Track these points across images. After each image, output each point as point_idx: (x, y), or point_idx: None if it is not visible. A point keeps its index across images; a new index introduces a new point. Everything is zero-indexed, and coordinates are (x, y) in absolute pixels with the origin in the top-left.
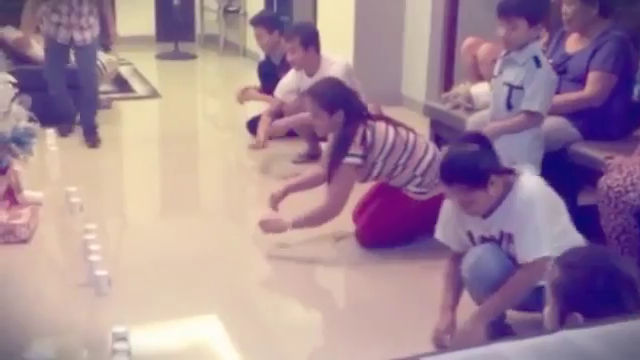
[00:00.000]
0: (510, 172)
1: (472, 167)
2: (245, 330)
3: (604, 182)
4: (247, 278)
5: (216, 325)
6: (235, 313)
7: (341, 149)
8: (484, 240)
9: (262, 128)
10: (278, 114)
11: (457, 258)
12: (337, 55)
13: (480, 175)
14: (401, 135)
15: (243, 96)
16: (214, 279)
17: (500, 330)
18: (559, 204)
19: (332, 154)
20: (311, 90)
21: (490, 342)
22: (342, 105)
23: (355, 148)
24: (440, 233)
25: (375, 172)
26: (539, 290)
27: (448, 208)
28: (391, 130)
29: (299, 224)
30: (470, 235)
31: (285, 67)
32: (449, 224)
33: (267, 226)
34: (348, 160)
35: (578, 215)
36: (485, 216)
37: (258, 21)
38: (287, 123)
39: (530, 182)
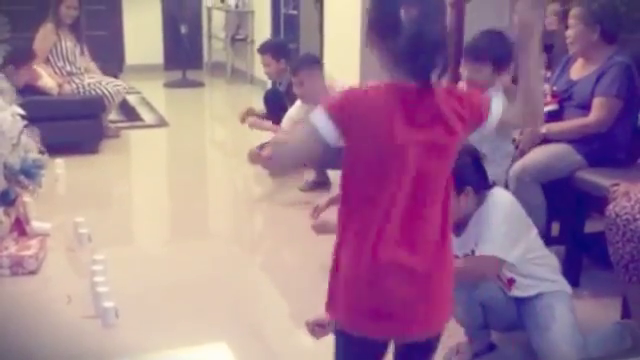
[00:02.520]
0: (488, 188)
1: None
2: (254, 357)
3: (612, 209)
4: (255, 305)
5: (225, 353)
6: (244, 340)
7: None
8: None
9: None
10: None
11: None
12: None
13: (457, 181)
14: None
15: (247, 119)
16: (222, 307)
17: (486, 348)
18: (527, 221)
19: None
20: None
21: None
22: None
23: None
24: None
25: None
26: (520, 307)
27: None
28: None
29: None
30: None
31: (291, 94)
32: None
33: (322, 228)
34: None
35: (586, 242)
36: (458, 234)
37: (266, 49)
38: None
39: (500, 193)
